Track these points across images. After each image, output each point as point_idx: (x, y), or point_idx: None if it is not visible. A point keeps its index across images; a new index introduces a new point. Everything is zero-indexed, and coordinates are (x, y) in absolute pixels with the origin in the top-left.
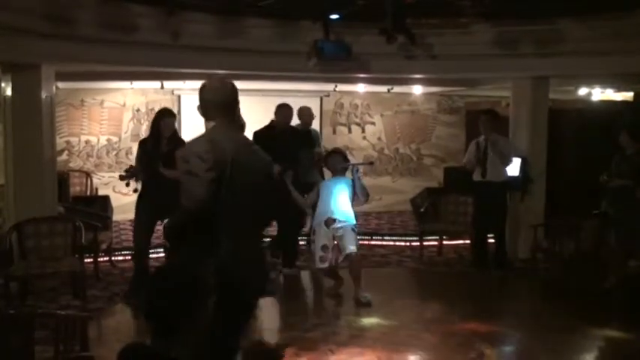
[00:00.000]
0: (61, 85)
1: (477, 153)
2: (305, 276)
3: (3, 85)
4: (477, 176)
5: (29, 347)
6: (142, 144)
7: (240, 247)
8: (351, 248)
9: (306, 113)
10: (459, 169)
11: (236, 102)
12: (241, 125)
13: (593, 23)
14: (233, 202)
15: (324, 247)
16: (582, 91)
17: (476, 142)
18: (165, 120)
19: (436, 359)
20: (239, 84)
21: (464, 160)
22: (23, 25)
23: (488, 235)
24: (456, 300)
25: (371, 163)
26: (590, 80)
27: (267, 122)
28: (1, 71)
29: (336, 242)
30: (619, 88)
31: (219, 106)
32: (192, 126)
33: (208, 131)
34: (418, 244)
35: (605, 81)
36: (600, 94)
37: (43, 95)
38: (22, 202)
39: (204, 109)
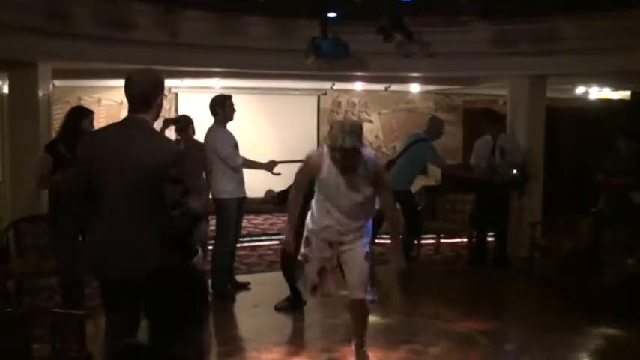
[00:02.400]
0: (58, 83)
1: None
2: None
3: (0, 82)
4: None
5: (27, 345)
6: (52, 147)
7: (111, 232)
8: (358, 293)
9: None
10: (456, 167)
11: (141, 95)
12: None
13: (590, 22)
14: (103, 191)
15: (322, 271)
16: (579, 90)
17: (483, 142)
18: (90, 117)
19: (433, 357)
20: (237, 82)
21: (472, 161)
22: (20, 23)
23: (488, 234)
24: (454, 298)
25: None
26: (588, 79)
27: (263, 119)
28: None
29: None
30: (616, 87)
31: (128, 99)
32: None
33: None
34: (416, 242)
35: (603, 80)
36: (598, 92)
37: (40, 93)
38: (19, 199)
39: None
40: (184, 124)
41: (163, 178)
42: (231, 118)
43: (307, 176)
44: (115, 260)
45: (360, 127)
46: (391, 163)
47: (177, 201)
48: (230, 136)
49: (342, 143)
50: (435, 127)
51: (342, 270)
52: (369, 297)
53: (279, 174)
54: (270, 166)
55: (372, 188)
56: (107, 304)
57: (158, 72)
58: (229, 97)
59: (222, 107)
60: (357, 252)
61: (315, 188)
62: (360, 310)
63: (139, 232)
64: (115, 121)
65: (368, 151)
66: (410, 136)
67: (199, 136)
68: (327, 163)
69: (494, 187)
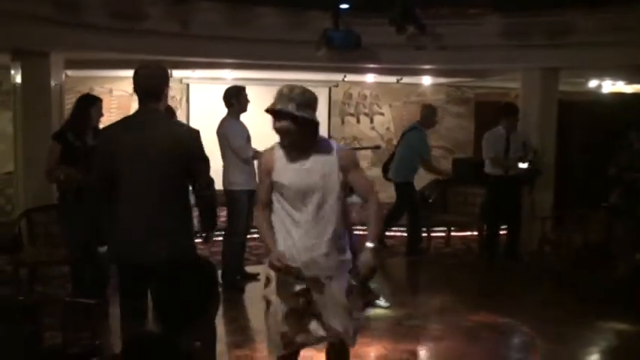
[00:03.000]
0: (70, 73)
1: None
2: None
3: (12, 72)
4: (495, 170)
5: (39, 333)
6: (60, 136)
7: (138, 219)
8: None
9: None
10: (467, 160)
11: (151, 88)
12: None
13: (604, 14)
14: (128, 182)
15: (292, 314)
16: (592, 84)
17: (495, 134)
18: (97, 105)
19: (443, 350)
20: (248, 73)
21: (491, 155)
22: (33, 13)
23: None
24: (464, 291)
25: (377, 147)
26: (601, 72)
27: None
28: (10, 59)
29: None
30: (630, 81)
31: (136, 92)
32: (200, 115)
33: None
34: (426, 235)
35: (617, 73)
36: (611, 86)
37: (53, 83)
38: (31, 189)
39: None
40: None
41: (189, 158)
42: (245, 110)
43: (266, 184)
44: (144, 245)
45: (311, 99)
46: (391, 157)
47: (209, 177)
48: (243, 128)
49: (273, 106)
50: (427, 116)
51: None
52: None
53: None
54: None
55: (341, 181)
56: (127, 290)
57: (163, 65)
58: (244, 88)
59: (237, 98)
60: (333, 290)
61: (273, 198)
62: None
63: (166, 218)
64: (126, 111)
65: (332, 142)
66: (407, 126)
67: (210, 127)
68: (277, 155)
69: (506, 181)
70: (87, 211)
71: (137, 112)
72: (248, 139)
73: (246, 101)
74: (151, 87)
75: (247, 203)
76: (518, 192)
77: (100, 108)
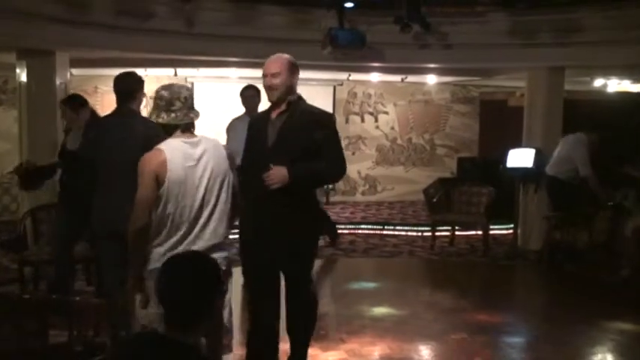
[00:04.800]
0: (75, 71)
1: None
2: (317, 264)
3: (18, 71)
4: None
5: (43, 332)
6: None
7: (112, 199)
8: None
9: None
10: (472, 159)
11: (128, 91)
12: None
13: (610, 12)
14: (107, 168)
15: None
16: (598, 83)
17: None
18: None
19: (447, 349)
20: (253, 71)
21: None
22: (38, 11)
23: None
24: (468, 291)
25: None
26: (607, 71)
27: None
28: (16, 57)
29: None
30: (636, 80)
31: (117, 94)
32: (205, 113)
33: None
34: (430, 234)
35: (623, 72)
36: (617, 85)
37: (58, 82)
38: None
39: None
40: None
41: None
42: (249, 110)
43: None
44: (114, 218)
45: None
46: None
47: None
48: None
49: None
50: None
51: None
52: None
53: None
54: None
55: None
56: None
57: (137, 73)
58: (247, 87)
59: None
60: None
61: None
62: None
63: (128, 198)
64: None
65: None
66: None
67: (215, 125)
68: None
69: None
70: (70, 209)
71: (117, 110)
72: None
73: (249, 100)
74: (129, 91)
75: None
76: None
77: (76, 111)
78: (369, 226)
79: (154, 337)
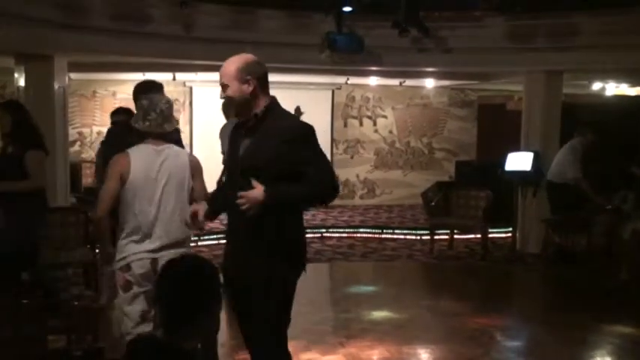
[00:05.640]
0: (73, 76)
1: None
2: (316, 268)
3: (16, 75)
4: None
5: (42, 336)
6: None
7: None
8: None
9: None
10: (470, 162)
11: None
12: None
13: (608, 17)
14: None
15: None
16: (596, 86)
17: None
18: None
19: (446, 353)
20: None
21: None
22: (37, 16)
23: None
24: (467, 294)
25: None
26: (605, 75)
27: None
28: (14, 62)
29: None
30: (634, 83)
31: None
32: (203, 118)
33: None
34: (429, 237)
35: (620, 76)
36: (615, 88)
37: (56, 86)
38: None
39: None
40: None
41: None
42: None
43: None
44: None
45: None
46: None
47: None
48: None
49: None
50: None
51: None
52: None
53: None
54: None
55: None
56: None
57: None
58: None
59: None
60: None
61: None
62: None
63: None
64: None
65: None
66: None
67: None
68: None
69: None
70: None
71: None
72: None
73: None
74: None
75: None
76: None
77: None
78: (368, 230)
79: (151, 342)
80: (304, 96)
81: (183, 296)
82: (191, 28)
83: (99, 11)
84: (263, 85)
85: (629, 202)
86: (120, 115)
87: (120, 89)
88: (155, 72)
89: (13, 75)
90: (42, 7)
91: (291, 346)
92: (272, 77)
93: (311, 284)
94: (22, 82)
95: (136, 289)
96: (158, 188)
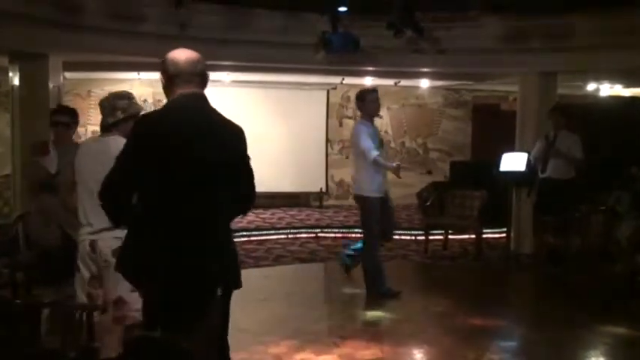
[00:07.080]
0: (68, 75)
1: (544, 148)
2: (310, 268)
3: (10, 74)
4: (540, 172)
5: (36, 336)
6: None
7: None
8: None
9: None
10: (465, 163)
11: None
12: None
13: (602, 18)
14: None
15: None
16: (591, 87)
17: (545, 136)
18: None
19: (440, 353)
20: (246, 75)
21: (532, 156)
22: (31, 15)
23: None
24: (461, 294)
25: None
26: (600, 76)
27: (272, 113)
28: (8, 61)
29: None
30: (628, 84)
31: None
32: None
33: None
34: (423, 238)
35: (614, 76)
36: (609, 89)
37: (51, 85)
38: (29, 192)
39: None
40: None
41: None
42: (372, 113)
43: None
44: None
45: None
46: None
47: None
48: (369, 130)
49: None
50: None
51: None
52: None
53: (400, 177)
54: (397, 169)
55: None
56: None
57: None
58: (369, 91)
59: (362, 101)
60: None
61: None
62: None
63: None
64: None
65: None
66: None
67: None
68: None
69: (551, 185)
70: None
71: None
72: (375, 142)
73: (373, 104)
74: None
75: (379, 208)
76: (561, 196)
77: None
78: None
79: (149, 340)
80: (299, 96)
81: (182, 298)
82: (186, 28)
83: (94, 10)
84: (173, 82)
85: (623, 203)
86: None
87: (115, 88)
88: (150, 71)
89: (7, 74)
90: (36, 5)
91: (286, 346)
92: (267, 77)
93: (305, 284)
94: (16, 81)
95: None
96: (90, 175)
